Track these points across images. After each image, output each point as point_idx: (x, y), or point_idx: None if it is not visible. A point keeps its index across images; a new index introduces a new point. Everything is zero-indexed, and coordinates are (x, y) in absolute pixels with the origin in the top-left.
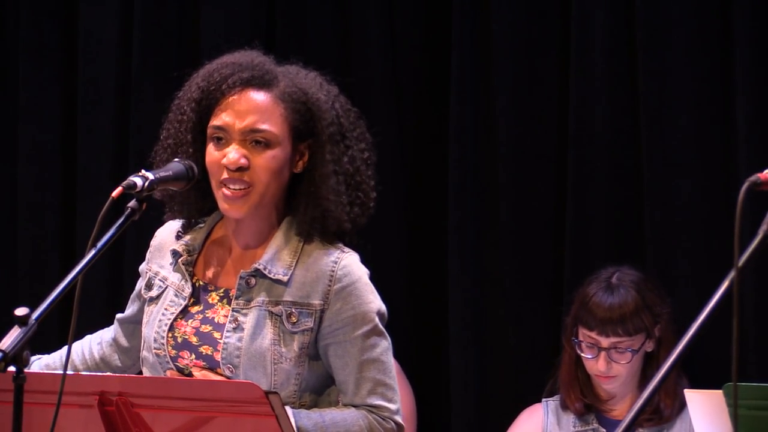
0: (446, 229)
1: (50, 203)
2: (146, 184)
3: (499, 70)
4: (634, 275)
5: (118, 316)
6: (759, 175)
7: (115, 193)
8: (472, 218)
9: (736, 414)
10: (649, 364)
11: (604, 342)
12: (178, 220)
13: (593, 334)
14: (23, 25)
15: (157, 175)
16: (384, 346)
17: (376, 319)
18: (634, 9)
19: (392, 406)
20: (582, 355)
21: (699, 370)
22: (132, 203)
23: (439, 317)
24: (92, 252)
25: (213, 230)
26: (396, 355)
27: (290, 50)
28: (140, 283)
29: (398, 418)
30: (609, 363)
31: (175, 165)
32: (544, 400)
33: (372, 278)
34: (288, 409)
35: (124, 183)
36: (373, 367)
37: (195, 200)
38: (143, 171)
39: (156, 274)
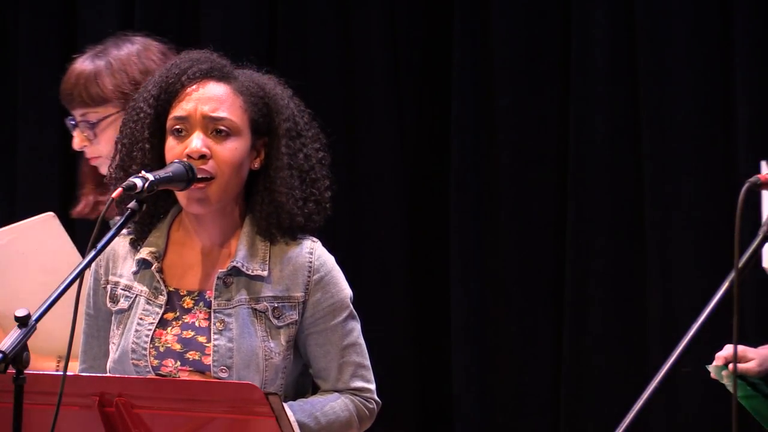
0: (447, 229)
1: (50, 204)
2: (146, 185)
3: (499, 71)
4: (137, 40)
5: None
6: (759, 176)
7: (115, 194)
8: (473, 218)
9: (736, 413)
10: None
11: (76, 115)
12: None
13: (69, 109)
14: (23, 25)
15: (157, 176)
16: (358, 328)
17: (350, 303)
18: (634, 9)
19: (371, 386)
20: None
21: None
22: (132, 204)
23: (441, 317)
24: (92, 253)
25: (170, 233)
26: (398, 354)
27: (291, 50)
28: (90, 312)
29: (376, 397)
30: (82, 140)
31: (175, 166)
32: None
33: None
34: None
35: (124, 184)
36: (352, 351)
37: (148, 204)
38: (143, 172)
39: (116, 284)
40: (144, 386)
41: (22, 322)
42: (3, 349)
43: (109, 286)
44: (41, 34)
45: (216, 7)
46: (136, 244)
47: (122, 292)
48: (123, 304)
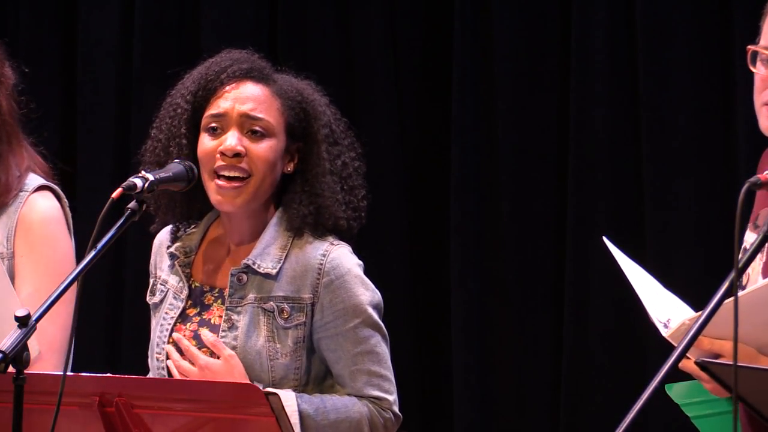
0: (447, 229)
1: None
2: (146, 185)
3: (500, 71)
4: None
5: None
6: (759, 176)
7: (115, 194)
8: (473, 218)
9: (736, 415)
10: None
11: None
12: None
13: None
14: (23, 27)
15: (157, 176)
16: (377, 337)
17: (369, 311)
18: (635, 9)
19: (390, 397)
20: None
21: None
22: (132, 204)
23: (441, 317)
24: (92, 253)
25: (209, 230)
26: (398, 355)
27: (291, 51)
28: (149, 303)
29: (396, 409)
30: None
31: (175, 166)
32: None
33: (367, 271)
34: (289, 391)
35: (124, 184)
36: (367, 359)
37: (181, 203)
38: (143, 172)
39: (158, 278)
40: (144, 386)
41: (22, 322)
42: (3, 349)
43: (153, 280)
44: (41, 36)
45: (216, 7)
46: (174, 240)
47: (159, 286)
48: (157, 297)
